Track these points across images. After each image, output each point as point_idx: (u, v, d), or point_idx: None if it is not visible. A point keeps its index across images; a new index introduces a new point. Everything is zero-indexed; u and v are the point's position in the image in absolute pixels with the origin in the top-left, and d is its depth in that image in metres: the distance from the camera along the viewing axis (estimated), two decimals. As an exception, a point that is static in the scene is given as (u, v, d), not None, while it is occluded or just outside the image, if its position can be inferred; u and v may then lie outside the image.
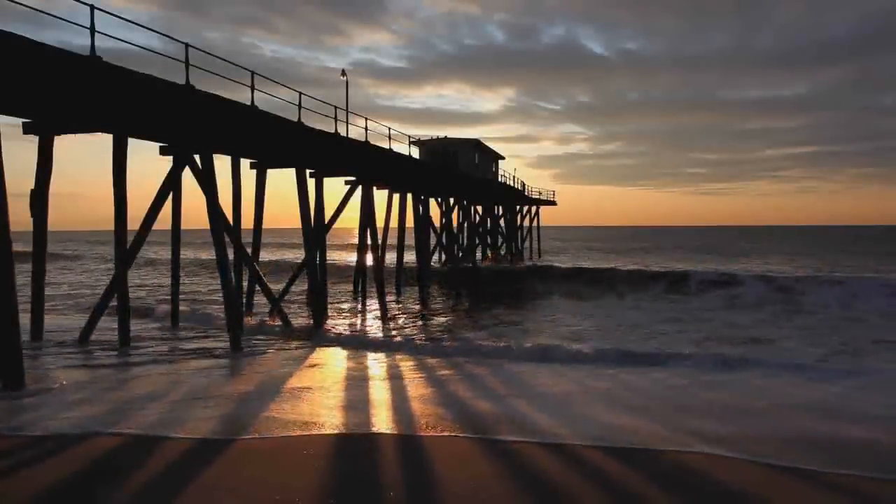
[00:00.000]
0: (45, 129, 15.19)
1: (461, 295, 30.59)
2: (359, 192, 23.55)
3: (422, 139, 40.36)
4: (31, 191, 15.70)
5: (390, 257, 29.68)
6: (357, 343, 17.02)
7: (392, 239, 29.76)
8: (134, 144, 15.59)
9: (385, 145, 24.81)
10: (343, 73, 23.78)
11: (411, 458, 7.74)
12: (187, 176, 16.39)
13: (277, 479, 6.90)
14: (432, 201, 33.48)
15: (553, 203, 63.72)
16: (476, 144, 42.59)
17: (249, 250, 20.49)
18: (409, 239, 31.43)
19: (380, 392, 11.33)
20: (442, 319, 22.64)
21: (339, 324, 21.13)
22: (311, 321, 19.95)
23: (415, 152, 38.55)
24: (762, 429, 8.93)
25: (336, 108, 20.52)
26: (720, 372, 13.00)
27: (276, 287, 21.94)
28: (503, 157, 49.46)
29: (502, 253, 49.03)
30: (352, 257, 40.02)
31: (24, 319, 12.61)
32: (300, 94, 18.55)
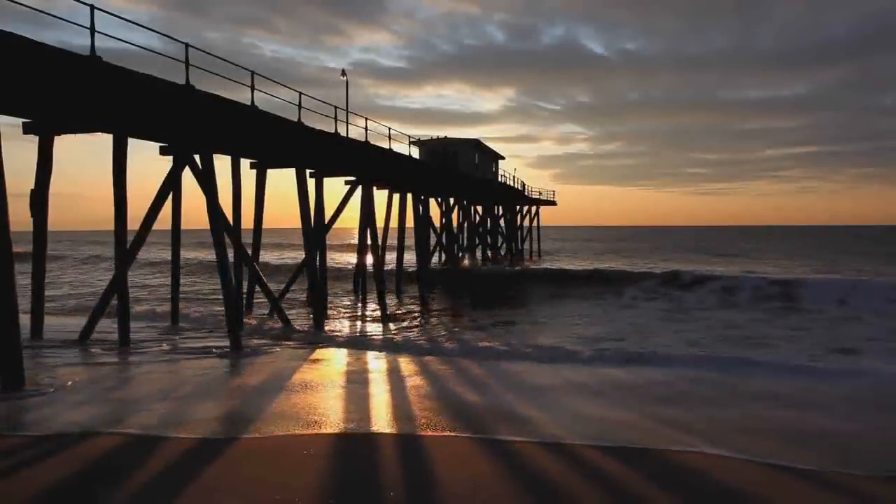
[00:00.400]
0: (45, 129, 15.20)
1: (460, 295, 30.59)
2: (359, 192, 23.56)
3: (422, 139, 40.38)
4: (31, 191, 15.71)
5: (390, 257, 29.68)
6: (357, 343, 17.04)
7: (392, 239, 29.76)
8: (134, 144, 15.61)
9: (385, 145, 24.83)
10: (343, 73, 23.80)
11: (411, 458, 7.74)
12: (187, 176, 16.41)
13: (277, 479, 6.91)
14: (432, 201, 33.51)
15: (553, 203, 63.77)
16: (476, 144, 42.60)
17: (249, 250, 20.50)
18: (409, 239, 31.43)
19: (379, 392, 11.33)
20: (441, 319, 22.65)
21: (338, 324, 21.16)
22: (311, 321, 19.96)
23: (415, 152, 38.58)
24: (728, 416, 9.65)
25: (336, 108, 20.56)
26: (702, 369, 13.30)
27: (276, 288, 21.95)
28: (503, 157, 49.50)
29: (502, 253, 49.03)
30: (352, 257, 40.04)
31: (24, 319, 12.60)
32: (300, 94, 18.57)
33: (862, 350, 16.24)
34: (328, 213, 22.16)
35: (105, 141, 15.31)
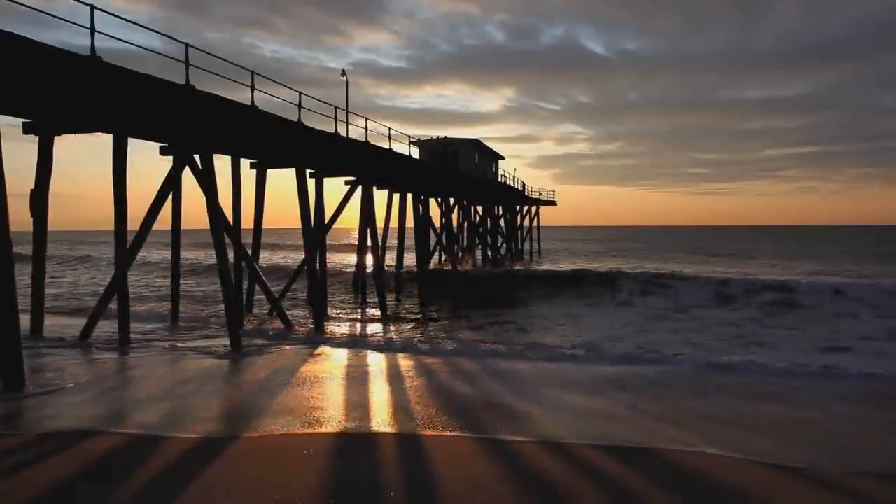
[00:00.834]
0: (45, 129, 15.20)
1: (460, 295, 30.56)
2: (359, 192, 23.56)
3: (422, 139, 40.33)
4: (31, 191, 15.72)
5: (390, 257, 29.69)
6: (357, 343, 17.04)
7: (392, 239, 29.77)
8: (134, 144, 15.62)
9: (385, 145, 24.83)
10: (343, 73, 23.79)
11: (411, 457, 7.75)
12: (187, 176, 16.41)
13: (277, 479, 6.91)
14: (432, 201, 33.50)
15: (553, 203, 63.76)
16: (476, 144, 42.56)
17: (249, 250, 20.50)
18: (410, 239, 31.45)
19: (379, 391, 11.34)
20: (441, 319, 22.63)
21: (338, 324, 21.15)
22: (311, 321, 19.96)
23: (415, 152, 38.55)
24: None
25: (336, 108, 20.55)
26: (691, 367, 13.70)
27: (276, 288, 21.94)
28: (503, 157, 49.47)
29: (502, 253, 49.01)
30: (351, 257, 40.03)
31: (24, 319, 12.61)
32: (300, 94, 18.56)
33: (855, 349, 16.33)
34: (328, 213, 22.17)
35: (105, 141, 15.33)
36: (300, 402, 10.42)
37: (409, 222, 29.15)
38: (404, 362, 14.17)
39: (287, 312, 20.07)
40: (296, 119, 18.39)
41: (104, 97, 12.70)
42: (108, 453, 7.84)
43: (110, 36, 12.42)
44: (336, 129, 20.61)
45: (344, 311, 24.65)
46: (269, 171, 21.71)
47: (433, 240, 35.28)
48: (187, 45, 14.15)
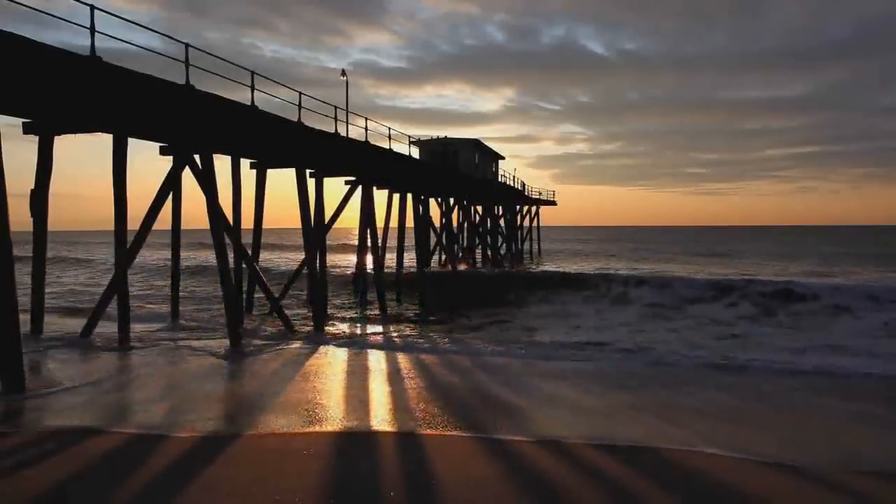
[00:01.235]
0: (45, 129, 15.20)
1: (460, 295, 30.55)
2: (359, 192, 23.56)
3: (422, 139, 40.31)
4: (31, 191, 15.73)
5: (390, 257, 29.66)
6: (357, 343, 17.05)
7: (392, 239, 29.75)
8: (134, 144, 15.64)
9: (385, 145, 24.81)
10: (343, 73, 23.79)
11: (411, 457, 7.75)
12: (187, 176, 16.41)
13: (277, 479, 6.92)
14: (432, 201, 33.48)
15: (553, 203, 63.72)
16: (476, 144, 42.54)
17: (249, 250, 20.50)
18: (410, 239, 31.42)
19: (380, 390, 11.35)
20: (441, 319, 22.64)
21: (338, 324, 21.16)
22: (311, 321, 19.96)
23: (415, 152, 38.54)
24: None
25: (336, 108, 20.55)
26: (683, 365, 13.95)
27: (276, 288, 21.95)
28: (503, 157, 49.44)
29: (502, 253, 48.99)
30: (351, 257, 40.02)
31: (24, 319, 12.62)
32: (300, 94, 18.57)
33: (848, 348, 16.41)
34: (328, 213, 22.17)
35: (105, 141, 15.34)
36: (300, 401, 10.43)
37: (409, 222, 29.12)
38: (404, 361, 14.19)
39: (287, 312, 20.08)
40: (296, 119, 18.40)
41: (104, 97, 12.71)
42: (109, 452, 7.85)
43: (110, 36, 12.45)
44: (336, 129, 20.61)
45: (344, 311, 24.66)
46: (269, 171, 21.71)
47: (433, 240, 35.26)
48: (187, 46, 14.16)
